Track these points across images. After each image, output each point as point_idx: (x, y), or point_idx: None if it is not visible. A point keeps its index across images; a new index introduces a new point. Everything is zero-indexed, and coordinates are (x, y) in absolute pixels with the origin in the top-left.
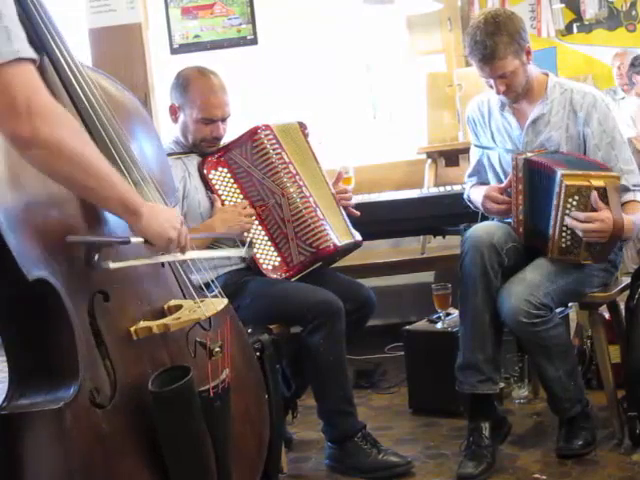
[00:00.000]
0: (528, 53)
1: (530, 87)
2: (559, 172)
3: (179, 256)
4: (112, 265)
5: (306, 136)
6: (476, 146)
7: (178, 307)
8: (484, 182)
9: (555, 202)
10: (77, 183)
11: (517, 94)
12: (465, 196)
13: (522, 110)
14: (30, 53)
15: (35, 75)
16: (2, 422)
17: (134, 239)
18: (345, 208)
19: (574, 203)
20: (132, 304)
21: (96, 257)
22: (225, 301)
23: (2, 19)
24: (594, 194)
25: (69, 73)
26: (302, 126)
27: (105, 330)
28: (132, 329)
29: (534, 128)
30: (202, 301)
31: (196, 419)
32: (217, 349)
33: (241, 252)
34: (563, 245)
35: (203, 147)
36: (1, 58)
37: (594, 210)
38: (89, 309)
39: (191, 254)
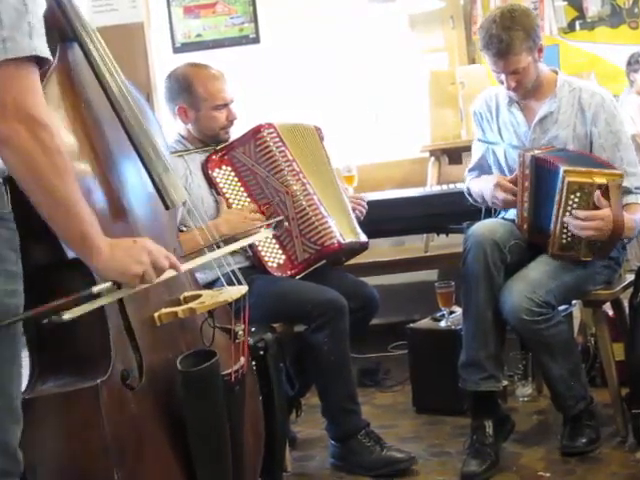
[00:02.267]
0: (540, 50)
1: (539, 84)
2: (562, 168)
3: (170, 273)
4: (67, 317)
5: (321, 139)
6: (481, 141)
7: (195, 297)
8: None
9: (557, 198)
10: (37, 202)
11: (526, 91)
12: (465, 189)
13: (530, 107)
14: (46, 53)
15: (36, 79)
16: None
17: (96, 288)
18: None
19: (576, 200)
20: (155, 291)
21: (45, 321)
22: (245, 287)
23: (27, 14)
24: (597, 192)
25: (100, 62)
26: (318, 130)
27: (132, 314)
28: (155, 315)
29: (541, 126)
30: (220, 290)
31: (220, 402)
32: (240, 332)
33: (268, 233)
34: (564, 241)
35: (222, 135)
36: (13, 52)
37: (595, 207)
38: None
39: (189, 264)
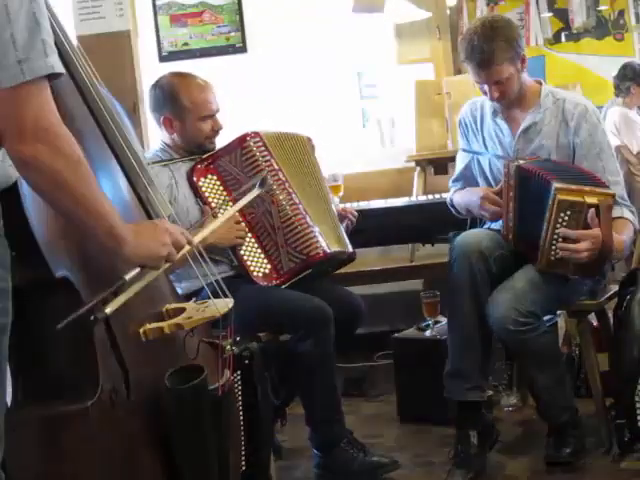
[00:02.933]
0: (523, 61)
1: (523, 95)
2: (554, 185)
3: (186, 247)
4: (109, 310)
5: (312, 149)
6: (465, 151)
7: (179, 310)
8: (470, 187)
9: (547, 214)
10: (66, 211)
11: (510, 101)
12: (448, 200)
13: (514, 117)
14: (61, 68)
15: (49, 94)
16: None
17: (128, 275)
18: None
19: (566, 218)
20: (139, 306)
21: (91, 317)
22: (232, 300)
23: (41, 31)
24: (591, 212)
25: (82, 73)
26: (309, 140)
27: (117, 330)
28: (141, 331)
29: (525, 136)
30: (204, 303)
31: (208, 416)
32: (228, 347)
33: (257, 191)
34: (552, 258)
35: (207, 144)
36: (31, 74)
37: (585, 226)
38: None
39: (199, 236)
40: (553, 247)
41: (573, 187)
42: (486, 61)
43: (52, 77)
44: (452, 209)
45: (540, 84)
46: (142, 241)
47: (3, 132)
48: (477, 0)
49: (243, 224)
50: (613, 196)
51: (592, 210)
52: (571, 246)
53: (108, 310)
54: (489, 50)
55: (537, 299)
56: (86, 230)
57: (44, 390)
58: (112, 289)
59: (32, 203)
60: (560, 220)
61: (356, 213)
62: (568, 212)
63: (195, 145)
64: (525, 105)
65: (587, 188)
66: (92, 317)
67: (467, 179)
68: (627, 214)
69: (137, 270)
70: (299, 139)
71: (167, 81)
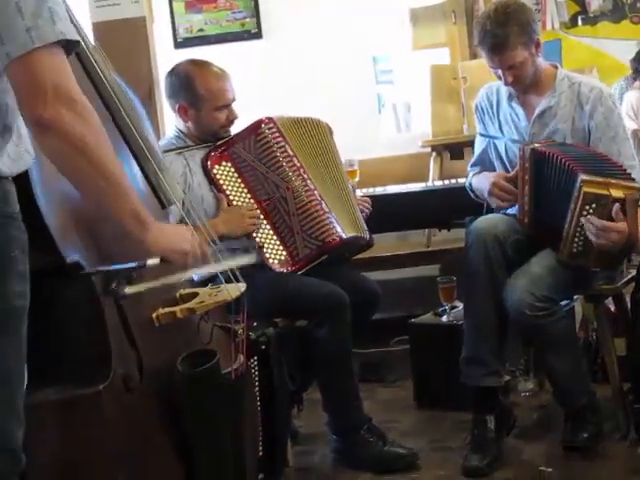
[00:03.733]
0: (537, 45)
1: (538, 79)
2: (580, 176)
3: (197, 270)
4: (128, 290)
5: (331, 134)
6: (482, 135)
7: (192, 295)
8: (487, 171)
9: (572, 206)
10: (89, 182)
11: (525, 85)
12: (467, 184)
13: (530, 102)
14: (74, 34)
15: (67, 63)
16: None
17: (150, 261)
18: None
19: (590, 211)
20: (153, 291)
21: (113, 285)
22: (244, 285)
23: (47, 0)
24: (616, 206)
25: (92, 60)
26: (328, 125)
27: (130, 316)
28: (154, 315)
29: (541, 120)
30: (217, 288)
31: (221, 401)
32: (240, 331)
33: (252, 259)
34: (574, 250)
35: (221, 132)
36: (41, 40)
37: (610, 219)
38: (115, 295)
39: (208, 267)
40: (576, 239)
41: (599, 179)
42: (499, 46)
43: (69, 47)
44: (471, 193)
45: (556, 68)
46: (166, 231)
47: (22, 101)
48: None
49: (258, 211)
50: (639, 190)
51: (617, 205)
52: (599, 232)
53: (128, 290)
54: (502, 35)
55: (554, 284)
56: (108, 207)
57: (57, 374)
58: (136, 265)
59: (42, 188)
60: (585, 213)
61: (369, 204)
62: (593, 205)
63: (210, 134)
64: (541, 89)
65: (613, 181)
66: (114, 285)
67: (485, 163)
68: None
69: (157, 260)
70: (316, 124)
71: (183, 69)
